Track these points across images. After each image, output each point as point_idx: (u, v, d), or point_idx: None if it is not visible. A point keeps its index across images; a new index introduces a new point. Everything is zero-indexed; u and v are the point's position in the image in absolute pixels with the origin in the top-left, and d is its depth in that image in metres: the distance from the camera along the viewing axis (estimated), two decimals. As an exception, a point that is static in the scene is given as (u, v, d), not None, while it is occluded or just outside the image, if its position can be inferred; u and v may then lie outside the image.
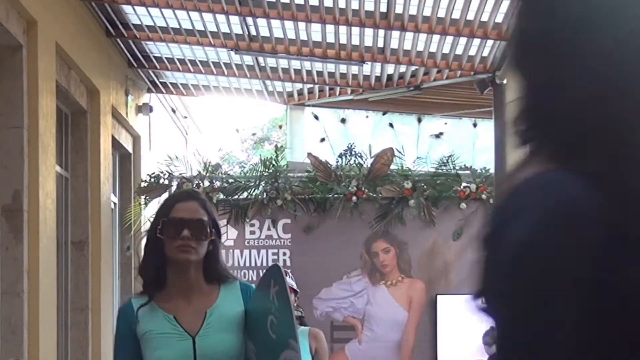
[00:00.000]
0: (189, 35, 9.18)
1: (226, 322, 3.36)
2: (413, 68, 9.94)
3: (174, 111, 13.44)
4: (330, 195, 10.21)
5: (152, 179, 10.15)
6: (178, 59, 10.21)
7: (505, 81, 8.77)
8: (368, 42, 9.03)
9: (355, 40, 9.05)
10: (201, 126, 16.32)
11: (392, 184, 10.19)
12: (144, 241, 3.52)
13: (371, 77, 10.36)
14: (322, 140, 11.30)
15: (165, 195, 10.32)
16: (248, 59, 10.05)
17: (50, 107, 7.35)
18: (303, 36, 9.02)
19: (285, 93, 11.68)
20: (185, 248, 3.32)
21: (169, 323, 3.35)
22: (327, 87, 11.17)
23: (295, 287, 5.40)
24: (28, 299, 6.80)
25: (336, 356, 9.83)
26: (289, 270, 10.07)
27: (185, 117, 14.62)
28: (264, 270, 4.32)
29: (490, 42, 8.51)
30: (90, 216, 8.78)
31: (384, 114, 11.83)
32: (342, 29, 8.73)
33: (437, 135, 11.18)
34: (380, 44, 9.07)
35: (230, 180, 10.43)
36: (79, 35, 8.39)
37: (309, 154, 10.62)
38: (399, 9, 8.08)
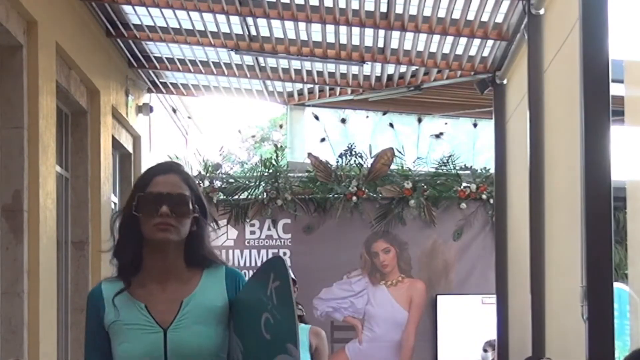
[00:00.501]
0: (189, 35, 9.18)
1: (204, 313, 2.93)
2: (413, 68, 9.93)
3: (174, 111, 13.44)
4: (331, 195, 10.22)
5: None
6: (178, 59, 10.20)
7: (505, 81, 8.77)
8: (368, 42, 9.03)
9: (356, 40, 9.05)
10: (201, 126, 16.32)
11: (392, 184, 10.20)
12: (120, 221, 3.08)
13: (371, 77, 10.36)
14: (322, 140, 11.30)
15: None
16: (248, 59, 10.05)
17: (50, 107, 7.35)
18: (303, 36, 9.02)
19: (285, 93, 11.67)
20: (164, 226, 2.90)
21: (140, 313, 2.94)
22: (327, 87, 11.17)
23: (293, 277, 5.23)
24: (28, 299, 6.80)
25: (336, 356, 9.84)
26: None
27: (189, 117, 14.62)
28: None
29: (490, 42, 8.51)
30: (90, 216, 8.78)
31: (384, 114, 11.83)
32: (342, 29, 8.73)
33: (437, 135, 11.19)
34: (381, 44, 9.07)
35: (231, 180, 10.44)
36: (79, 35, 8.39)
37: (309, 154, 10.63)
38: (399, 9, 8.08)
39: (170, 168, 3.05)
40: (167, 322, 2.92)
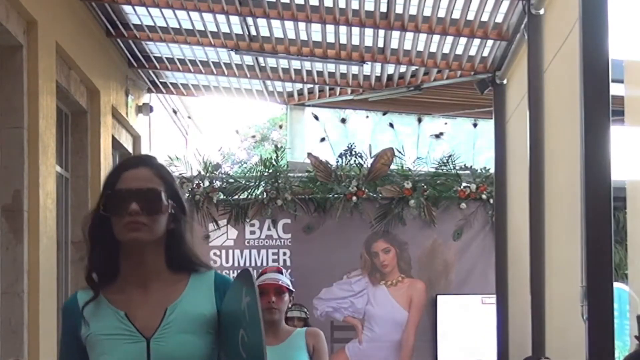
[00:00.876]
0: (189, 35, 9.18)
1: (191, 321, 2.66)
2: (413, 68, 9.93)
3: (175, 112, 13.44)
4: (330, 195, 10.22)
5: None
6: (178, 59, 10.21)
7: (505, 81, 8.77)
8: (368, 42, 9.03)
9: (356, 40, 9.05)
10: (201, 126, 16.32)
11: (392, 184, 10.20)
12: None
13: (371, 77, 10.36)
14: (322, 140, 11.30)
15: None
16: (248, 59, 10.05)
17: (50, 107, 7.34)
18: (303, 36, 9.02)
19: (285, 93, 11.67)
20: (134, 225, 2.63)
21: (119, 322, 2.67)
22: (327, 87, 11.17)
23: (290, 286, 5.26)
24: (28, 299, 6.80)
25: (336, 356, 9.84)
26: (286, 271, 10.10)
27: (189, 117, 14.63)
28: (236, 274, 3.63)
29: (490, 42, 8.51)
30: (90, 216, 8.77)
31: (384, 114, 11.83)
32: (342, 29, 8.73)
33: (437, 135, 11.19)
34: (381, 44, 9.07)
35: (230, 180, 10.44)
36: (79, 35, 8.39)
37: (309, 154, 10.62)
38: (399, 9, 8.08)
39: (140, 161, 2.78)
40: (151, 331, 2.65)
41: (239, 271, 2.96)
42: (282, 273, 5.37)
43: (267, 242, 10.27)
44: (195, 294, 2.71)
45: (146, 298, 2.70)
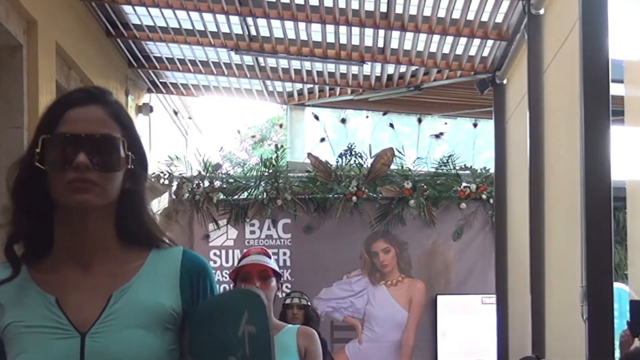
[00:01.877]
0: (189, 35, 9.18)
1: (142, 312, 1.99)
2: (413, 68, 9.94)
3: (176, 113, 13.44)
4: (330, 195, 10.22)
5: (153, 179, 10.14)
6: (178, 59, 10.21)
7: (505, 81, 8.77)
8: (368, 42, 9.04)
9: (355, 40, 9.05)
10: (201, 126, 16.32)
11: (392, 184, 10.20)
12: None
13: (371, 77, 10.36)
14: (322, 140, 11.30)
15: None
16: (248, 59, 10.05)
17: (50, 107, 7.34)
18: (303, 36, 9.02)
19: (285, 93, 11.68)
20: (81, 185, 1.95)
21: (47, 310, 1.99)
22: (327, 87, 11.17)
23: (277, 269, 4.69)
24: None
25: (336, 356, 9.83)
26: (286, 271, 10.13)
27: (190, 117, 14.62)
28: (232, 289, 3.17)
29: (490, 42, 8.51)
30: (90, 216, 8.77)
31: (384, 114, 11.82)
32: (342, 29, 8.73)
33: (437, 135, 11.18)
34: (380, 44, 9.08)
35: (230, 180, 10.44)
36: (79, 35, 8.39)
37: (309, 154, 10.62)
38: (399, 9, 8.09)
39: (90, 97, 2.05)
40: (87, 324, 1.98)
41: (244, 290, 2.46)
42: (269, 256, 4.80)
43: (267, 242, 10.26)
44: (153, 277, 2.04)
45: (86, 280, 2.02)
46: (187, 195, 10.22)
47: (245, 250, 5.05)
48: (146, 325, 1.98)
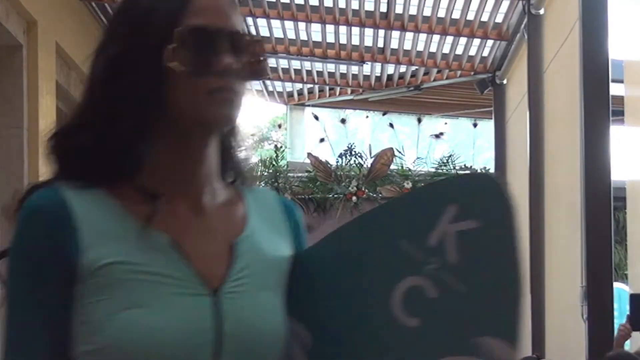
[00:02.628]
0: (189, 35, 9.18)
1: (270, 270, 1.51)
2: (413, 68, 9.94)
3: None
4: (330, 195, 10.22)
5: None
6: (178, 59, 10.20)
7: (505, 81, 8.78)
8: (368, 42, 9.04)
9: (355, 40, 9.05)
10: (201, 126, 16.34)
11: (392, 184, 10.19)
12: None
13: (371, 77, 10.36)
14: (322, 140, 11.29)
15: None
16: (248, 59, 10.04)
17: (50, 107, 7.34)
18: (303, 36, 9.02)
19: (285, 93, 11.68)
20: (229, 95, 1.45)
21: (160, 253, 1.43)
22: (327, 87, 11.17)
23: None
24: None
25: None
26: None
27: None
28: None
29: (490, 42, 8.52)
30: (90, 216, 8.77)
31: (384, 114, 11.82)
32: (342, 29, 8.73)
33: (437, 135, 11.18)
34: (380, 44, 9.08)
35: (230, 180, 10.44)
36: (79, 35, 8.39)
37: (309, 154, 10.62)
38: (399, 9, 8.09)
39: None
40: (216, 279, 1.45)
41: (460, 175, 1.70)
42: None
43: (267, 242, 10.26)
44: (263, 222, 1.56)
45: (198, 221, 1.49)
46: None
47: None
48: (274, 285, 1.51)
